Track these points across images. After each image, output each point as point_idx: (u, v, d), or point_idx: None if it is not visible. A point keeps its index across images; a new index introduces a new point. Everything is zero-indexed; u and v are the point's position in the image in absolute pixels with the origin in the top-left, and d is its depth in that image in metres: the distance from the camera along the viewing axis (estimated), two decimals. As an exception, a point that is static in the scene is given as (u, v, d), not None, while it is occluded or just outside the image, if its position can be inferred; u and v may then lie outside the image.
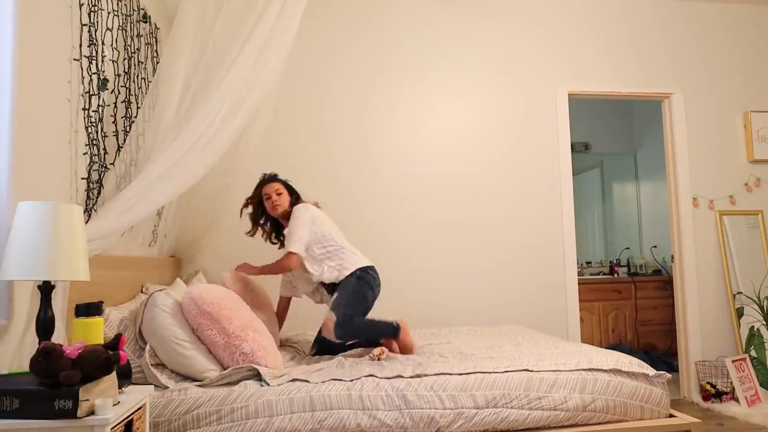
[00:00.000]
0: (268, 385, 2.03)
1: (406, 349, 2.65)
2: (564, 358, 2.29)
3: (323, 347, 2.75)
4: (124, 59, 2.67)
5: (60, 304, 1.79)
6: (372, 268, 2.81)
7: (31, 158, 1.85)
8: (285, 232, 2.86)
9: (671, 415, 2.23)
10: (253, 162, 3.25)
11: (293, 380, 2.09)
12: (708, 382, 3.91)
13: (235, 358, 2.15)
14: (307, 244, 2.75)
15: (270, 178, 2.96)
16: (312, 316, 3.32)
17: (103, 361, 1.37)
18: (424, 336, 3.23)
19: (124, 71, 2.65)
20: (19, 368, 1.69)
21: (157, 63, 3.15)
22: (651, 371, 2.23)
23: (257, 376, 2.11)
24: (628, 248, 5.93)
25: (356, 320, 2.61)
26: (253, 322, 2.29)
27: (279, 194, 2.90)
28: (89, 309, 1.65)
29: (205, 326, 2.16)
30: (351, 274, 2.73)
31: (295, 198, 2.95)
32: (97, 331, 1.64)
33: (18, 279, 1.58)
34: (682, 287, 4.17)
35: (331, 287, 2.82)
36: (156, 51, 3.19)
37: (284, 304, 3.10)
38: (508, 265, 4.00)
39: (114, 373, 1.46)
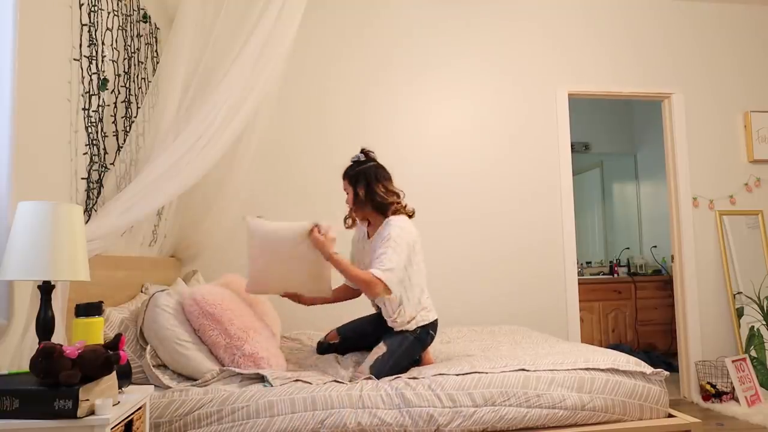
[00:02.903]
0: (272, 386, 2.04)
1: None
2: (561, 357, 2.29)
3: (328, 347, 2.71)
4: (124, 59, 2.67)
5: (60, 304, 1.79)
6: (435, 324, 2.42)
7: (31, 158, 1.85)
8: (372, 243, 2.37)
9: (671, 415, 2.23)
10: (253, 162, 3.24)
11: (296, 380, 2.09)
12: (708, 382, 3.91)
13: (236, 360, 2.14)
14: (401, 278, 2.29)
15: (344, 172, 2.44)
16: (313, 315, 3.29)
17: (103, 361, 1.37)
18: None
19: (124, 71, 2.66)
20: (19, 368, 1.69)
21: (157, 63, 3.16)
22: (648, 369, 2.23)
23: (259, 379, 2.10)
24: (628, 248, 5.93)
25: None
26: (255, 323, 2.29)
27: (347, 193, 2.44)
28: (89, 309, 1.65)
29: (207, 327, 2.15)
30: (413, 331, 2.35)
31: (367, 203, 2.37)
32: (97, 331, 1.64)
33: (18, 279, 1.58)
34: (682, 287, 4.17)
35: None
36: (156, 51, 3.19)
37: (349, 291, 2.62)
38: (508, 265, 4.00)
39: (114, 373, 1.46)
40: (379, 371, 2.23)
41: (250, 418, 1.93)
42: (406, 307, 2.35)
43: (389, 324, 2.39)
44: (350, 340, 2.59)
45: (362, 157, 2.44)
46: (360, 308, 2.75)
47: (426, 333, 2.40)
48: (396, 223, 2.31)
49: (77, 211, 1.67)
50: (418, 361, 2.47)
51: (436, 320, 2.45)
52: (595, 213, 6.13)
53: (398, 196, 2.42)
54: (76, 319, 1.63)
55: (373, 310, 2.65)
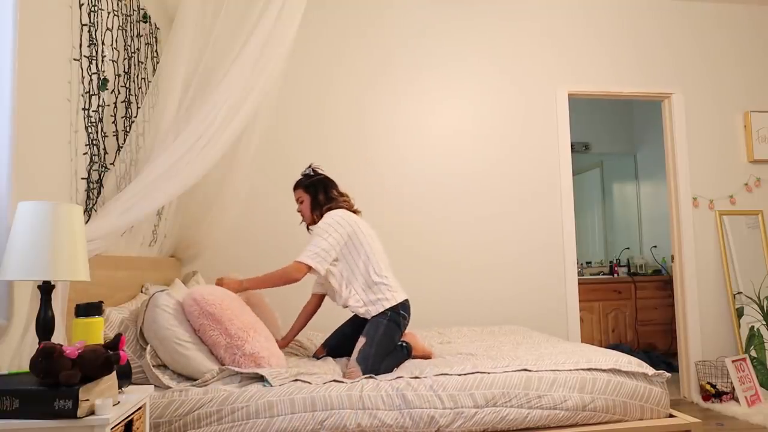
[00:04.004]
0: (271, 386, 2.03)
1: (426, 357, 2.62)
2: (563, 357, 2.29)
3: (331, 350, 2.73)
4: (124, 59, 2.67)
5: (60, 304, 1.79)
6: (405, 305, 2.56)
7: (31, 158, 1.85)
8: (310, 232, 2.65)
9: (671, 415, 2.23)
10: (253, 162, 3.24)
11: (295, 380, 2.09)
12: (708, 382, 3.91)
13: (236, 359, 2.14)
14: (335, 260, 2.53)
15: (296, 183, 2.75)
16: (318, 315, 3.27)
17: (103, 361, 1.37)
18: (425, 337, 3.23)
19: (124, 71, 2.65)
20: (19, 368, 1.69)
21: (157, 63, 3.16)
22: (650, 370, 2.23)
23: (259, 378, 2.10)
24: (628, 248, 5.93)
25: (382, 368, 2.35)
26: (255, 323, 2.29)
27: (300, 203, 2.72)
28: (89, 309, 1.65)
29: (208, 327, 2.15)
30: (382, 314, 2.48)
31: (324, 205, 2.67)
32: (97, 331, 1.64)
33: (18, 279, 1.58)
34: (682, 287, 4.17)
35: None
36: (156, 51, 3.19)
37: (314, 301, 2.84)
38: (508, 265, 4.00)
39: (114, 373, 1.46)
40: (366, 357, 2.34)
41: (249, 418, 1.92)
42: (357, 287, 2.52)
43: (354, 310, 2.55)
44: (336, 347, 2.68)
45: (311, 172, 2.78)
46: (342, 318, 2.84)
47: (397, 314, 2.51)
48: (329, 214, 2.60)
49: (77, 211, 1.67)
50: (405, 347, 2.53)
51: (405, 301, 2.57)
52: (595, 213, 6.13)
53: (348, 196, 2.76)
54: (76, 319, 1.63)
55: (348, 317, 2.79)
